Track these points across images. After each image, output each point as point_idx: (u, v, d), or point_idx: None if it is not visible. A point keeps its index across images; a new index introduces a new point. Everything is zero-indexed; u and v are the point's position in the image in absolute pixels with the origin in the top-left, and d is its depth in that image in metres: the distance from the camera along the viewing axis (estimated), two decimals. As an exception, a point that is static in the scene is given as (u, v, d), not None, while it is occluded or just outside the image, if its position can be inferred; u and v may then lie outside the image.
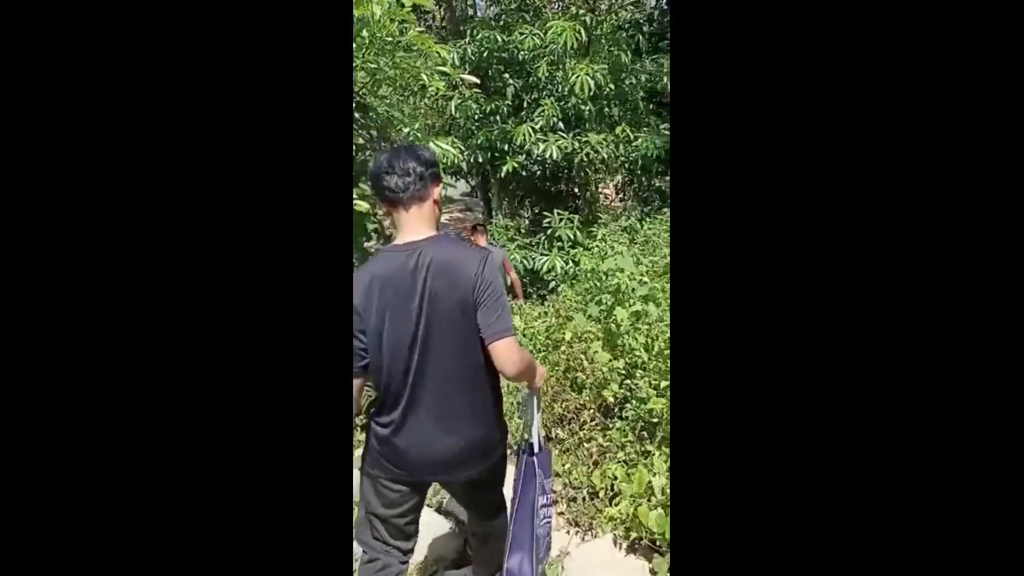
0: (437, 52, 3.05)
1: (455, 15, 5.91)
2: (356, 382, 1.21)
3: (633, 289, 2.31)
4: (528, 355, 1.29)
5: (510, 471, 1.46)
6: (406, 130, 2.66)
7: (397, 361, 1.20)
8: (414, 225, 1.20)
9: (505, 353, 1.18)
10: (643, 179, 6.18)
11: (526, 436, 1.43)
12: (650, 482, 1.73)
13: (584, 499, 2.12)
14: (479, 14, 6.04)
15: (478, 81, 3.15)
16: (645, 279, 2.34)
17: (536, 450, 1.40)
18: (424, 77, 3.03)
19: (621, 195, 7.69)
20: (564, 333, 2.52)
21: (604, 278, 2.63)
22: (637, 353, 2.19)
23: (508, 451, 1.42)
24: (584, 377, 2.38)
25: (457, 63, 4.37)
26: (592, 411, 2.30)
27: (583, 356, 2.45)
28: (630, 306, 2.32)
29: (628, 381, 2.18)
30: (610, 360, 2.23)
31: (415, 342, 1.19)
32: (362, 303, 1.18)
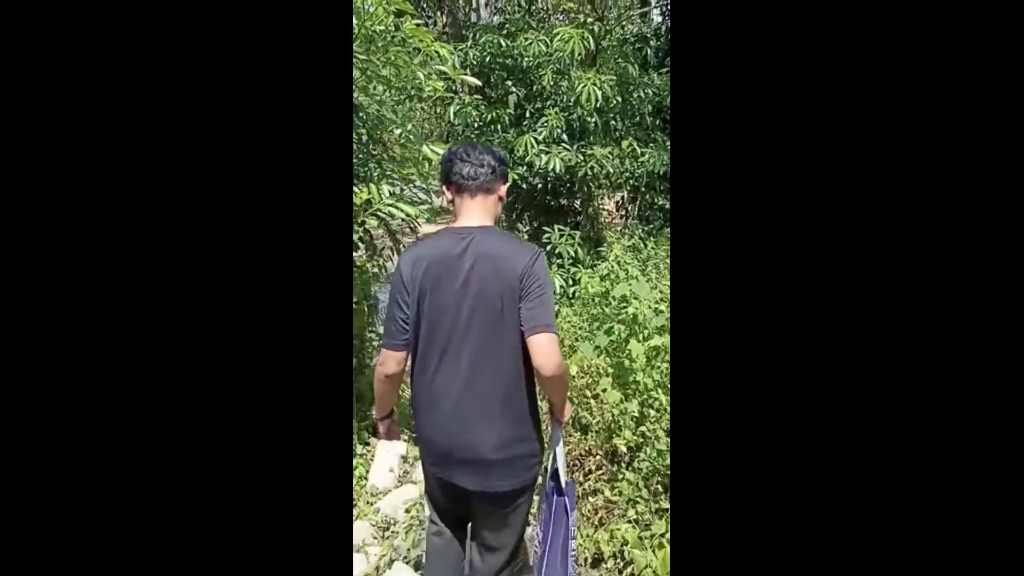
0: (436, 51, 2.79)
1: (457, 20, 5.70)
2: (399, 354, 1.21)
3: (649, 319, 2.03)
4: (564, 361, 1.21)
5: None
6: (397, 131, 2.40)
7: (432, 342, 1.18)
8: (474, 213, 1.21)
9: (546, 347, 1.12)
10: (647, 196, 5.95)
11: (551, 470, 1.34)
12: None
13: (587, 561, 1.82)
14: (482, 21, 5.83)
15: (479, 83, 2.89)
16: (662, 308, 2.07)
17: (563, 486, 1.33)
18: (420, 76, 2.77)
19: (622, 212, 7.47)
20: (569, 366, 2.23)
21: (615, 303, 2.35)
22: (653, 395, 1.91)
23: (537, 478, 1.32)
24: (590, 418, 2.09)
25: (458, 66, 4.13)
26: (599, 458, 2.01)
27: (588, 393, 2.17)
28: (646, 339, 2.03)
29: (642, 427, 1.89)
30: (621, 401, 1.94)
31: (453, 325, 1.15)
32: (408, 276, 1.18)
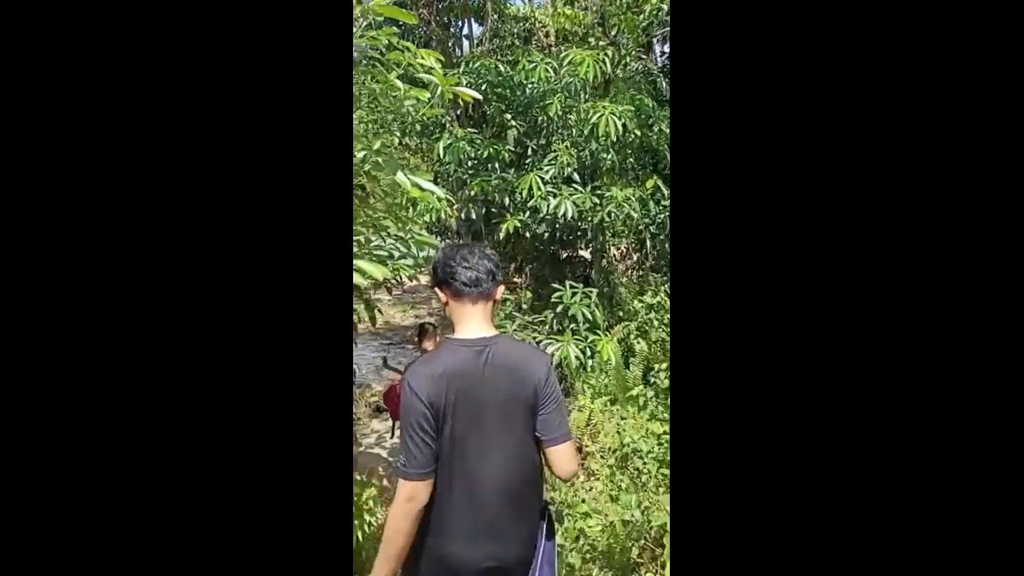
0: (419, 61, 2.01)
1: (447, 50, 5.06)
2: (430, 482, 1.14)
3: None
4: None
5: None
6: (360, 155, 1.58)
7: (463, 459, 1.16)
8: (478, 320, 1.22)
9: (568, 457, 1.19)
10: (664, 244, 5.20)
11: None
12: None
13: None
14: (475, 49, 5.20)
15: (478, 96, 2.09)
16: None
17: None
18: (398, 85, 1.96)
19: (629, 261, 6.72)
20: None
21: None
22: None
23: None
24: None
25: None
26: None
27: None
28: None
29: None
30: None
31: (483, 442, 1.15)
32: (429, 398, 1.14)
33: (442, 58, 2.19)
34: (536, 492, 1.23)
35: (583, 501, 1.71)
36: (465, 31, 5.18)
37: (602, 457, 3.13)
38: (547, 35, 6.43)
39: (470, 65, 4.02)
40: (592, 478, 3.05)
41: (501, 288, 1.27)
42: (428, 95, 2.01)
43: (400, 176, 1.56)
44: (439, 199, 3.46)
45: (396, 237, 1.97)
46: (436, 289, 1.26)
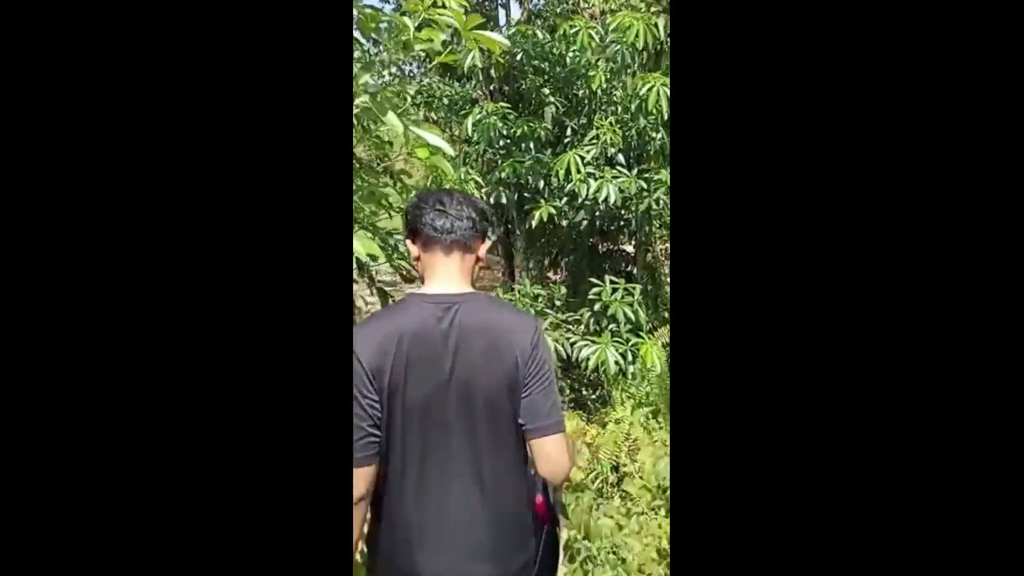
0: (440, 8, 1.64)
1: (486, 25, 4.68)
2: (367, 470, 0.92)
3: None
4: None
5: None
6: (360, 107, 1.22)
7: (411, 450, 0.94)
8: (451, 274, 0.99)
9: (557, 452, 0.96)
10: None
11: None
12: None
13: None
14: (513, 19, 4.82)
15: (507, 43, 1.70)
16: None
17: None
18: (408, 24, 1.61)
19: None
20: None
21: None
22: None
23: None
24: None
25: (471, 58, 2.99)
26: None
27: None
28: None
29: None
30: None
31: (440, 426, 0.94)
32: (372, 363, 0.91)
33: (466, 3, 1.81)
34: (521, 498, 0.99)
35: (622, 559, 1.31)
36: (502, 1, 4.80)
37: (641, 479, 2.71)
38: (592, 16, 6.01)
39: (507, 34, 3.64)
40: (629, 501, 2.64)
41: (484, 244, 1.02)
42: (442, 36, 1.63)
43: (392, 117, 1.19)
44: (465, 179, 3.10)
45: (399, 210, 1.61)
46: (407, 242, 1.03)
